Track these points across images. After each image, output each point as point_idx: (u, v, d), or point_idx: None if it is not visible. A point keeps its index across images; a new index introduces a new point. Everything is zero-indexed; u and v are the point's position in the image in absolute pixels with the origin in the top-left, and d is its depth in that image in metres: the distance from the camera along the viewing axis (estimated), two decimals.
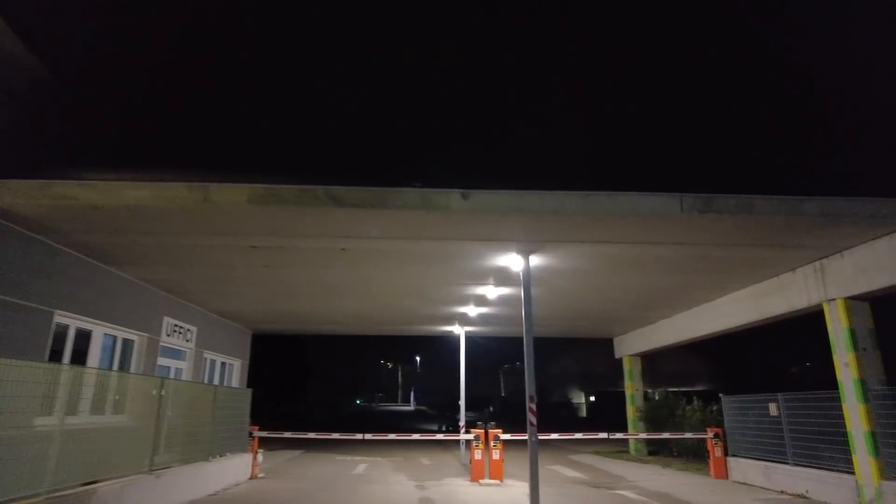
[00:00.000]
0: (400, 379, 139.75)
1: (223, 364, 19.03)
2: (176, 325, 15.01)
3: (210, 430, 11.23)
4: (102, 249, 10.33)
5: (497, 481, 12.65)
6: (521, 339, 9.89)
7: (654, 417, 18.90)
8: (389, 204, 7.88)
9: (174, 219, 8.56)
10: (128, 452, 8.12)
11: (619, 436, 14.58)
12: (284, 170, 8.13)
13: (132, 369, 12.88)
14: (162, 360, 14.45)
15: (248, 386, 21.04)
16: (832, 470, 10.13)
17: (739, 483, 12.51)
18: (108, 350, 12.36)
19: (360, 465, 16.13)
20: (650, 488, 11.82)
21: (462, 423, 17.84)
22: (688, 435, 13.90)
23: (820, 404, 10.62)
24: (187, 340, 15.66)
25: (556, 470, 15.18)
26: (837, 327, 9.97)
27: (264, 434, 13.81)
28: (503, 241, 9.51)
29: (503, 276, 11.98)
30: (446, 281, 12.84)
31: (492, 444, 13.09)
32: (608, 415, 49.80)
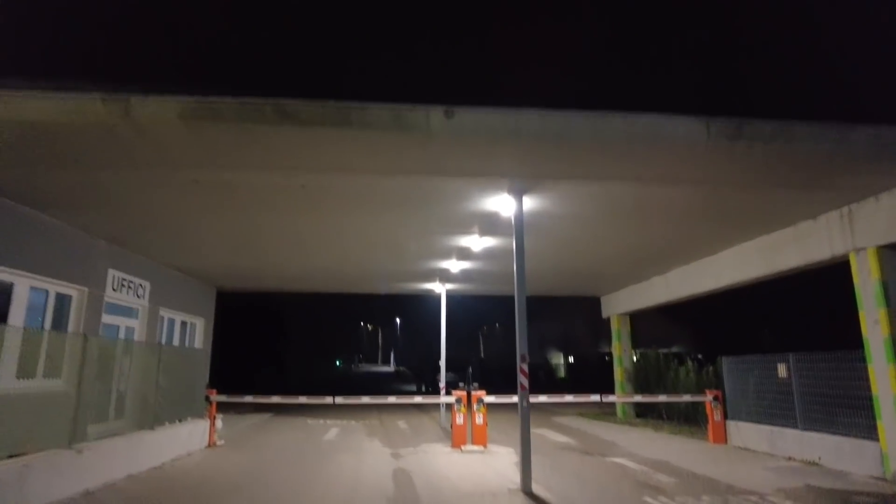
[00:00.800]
0: (380, 341, 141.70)
1: (183, 323, 17.54)
2: (124, 280, 13.45)
3: (154, 394, 9.88)
4: (17, 187, 8.68)
5: (480, 447, 11.60)
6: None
7: (644, 379, 18.06)
8: (354, 122, 6.37)
9: (91, 143, 6.96)
10: (35, 425, 6.73)
11: (611, 399, 13.62)
12: (226, 83, 6.56)
13: (70, 328, 11.38)
14: (108, 318, 12.91)
15: (214, 347, 19.71)
16: (850, 436, 9.20)
17: (740, 448, 11.63)
18: (41, 306, 10.84)
19: (332, 430, 15.02)
20: (646, 455, 10.86)
21: (443, 384, 16.76)
22: (686, 398, 12.95)
23: (838, 365, 9.61)
24: (139, 296, 14.11)
25: (542, 434, 14.23)
26: (866, 280, 8.86)
27: (223, 398, 12.51)
28: (492, 176, 8.09)
29: (490, 224, 10.63)
30: (426, 230, 11.44)
31: (475, 407, 12.00)
32: (587, 376, 49.83)
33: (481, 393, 12.14)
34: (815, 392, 10.10)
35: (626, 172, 7.86)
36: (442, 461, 10.40)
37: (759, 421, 11.46)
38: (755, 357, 11.88)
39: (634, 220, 10.32)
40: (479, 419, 11.95)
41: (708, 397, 12.56)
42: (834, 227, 9.49)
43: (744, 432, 11.79)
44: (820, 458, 9.66)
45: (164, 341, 15.79)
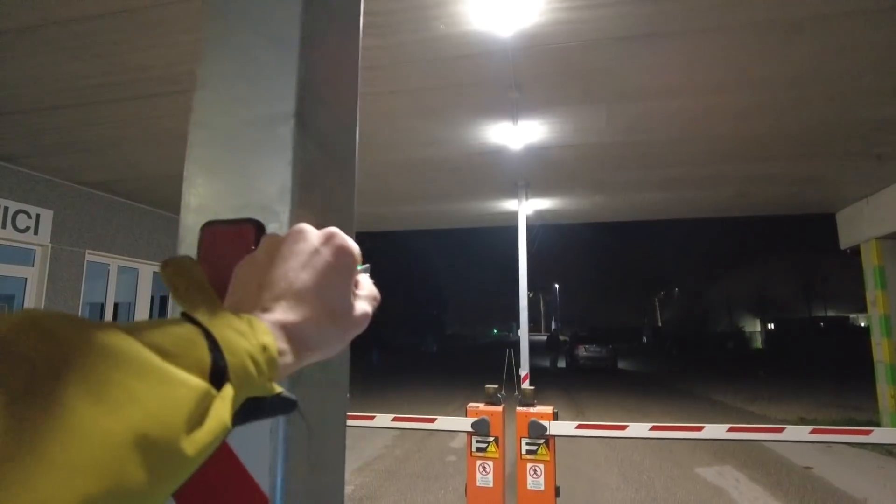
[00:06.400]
0: (542, 308, 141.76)
1: (121, 269, 11.65)
2: None
3: None
4: None
5: None
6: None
7: None
8: None
9: None
10: None
11: None
12: None
13: None
14: None
15: None
16: None
17: None
18: None
19: None
20: None
21: (524, 370, 9.56)
22: None
23: None
24: (24, 231, 9.17)
25: (706, 502, 6.53)
26: None
27: None
28: None
29: None
30: None
31: (523, 449, 4.87)
32: (793, 347, 37.94)
33: (542, 413, 4.93)
34: None
35: None
36: None
37: None
38: None
39: None
40: (533, 479, 4.80)
41: None
42: None
43: None
44: None
45: (107, 297, 11.00)
